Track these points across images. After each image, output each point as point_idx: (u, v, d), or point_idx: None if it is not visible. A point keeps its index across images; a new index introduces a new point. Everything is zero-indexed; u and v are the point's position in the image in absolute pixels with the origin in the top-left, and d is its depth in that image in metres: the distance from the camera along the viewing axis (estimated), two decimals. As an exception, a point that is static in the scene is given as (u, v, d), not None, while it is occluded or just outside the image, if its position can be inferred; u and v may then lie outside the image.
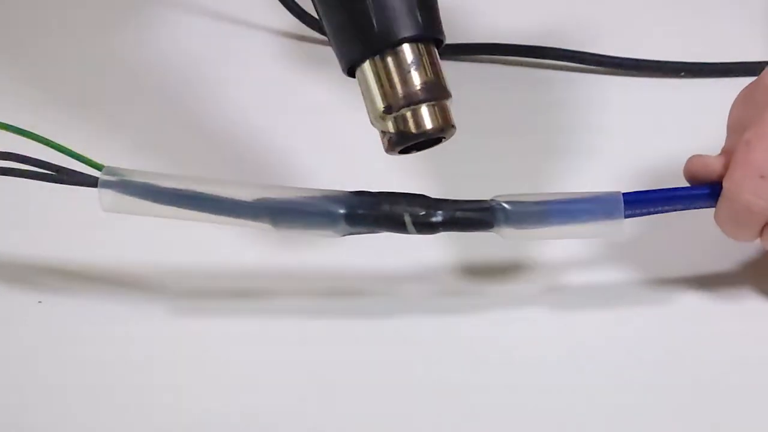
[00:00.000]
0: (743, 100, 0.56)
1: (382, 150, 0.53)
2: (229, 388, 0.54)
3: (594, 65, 0.71)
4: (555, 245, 0.58)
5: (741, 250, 0.57)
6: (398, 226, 0.53)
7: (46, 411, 0.53)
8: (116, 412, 0.53)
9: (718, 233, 0.54)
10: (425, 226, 0.53)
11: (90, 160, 0.51)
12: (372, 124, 0.53)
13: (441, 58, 0.53)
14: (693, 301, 0.56)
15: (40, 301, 0.58)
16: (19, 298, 0.58)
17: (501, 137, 0.66)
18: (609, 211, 0.53)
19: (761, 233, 0.53)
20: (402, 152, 0.53)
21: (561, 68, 0.72)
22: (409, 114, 0.52)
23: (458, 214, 0.53)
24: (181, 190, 0.52)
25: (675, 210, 0.54)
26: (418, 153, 0.53)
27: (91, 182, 0.52)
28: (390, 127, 0.52)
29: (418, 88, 0.52)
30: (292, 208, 0.53)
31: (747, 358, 0.54)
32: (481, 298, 0.57)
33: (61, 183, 0.52)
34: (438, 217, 0.53)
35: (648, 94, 0.70)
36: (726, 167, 0.53)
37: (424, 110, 0.52)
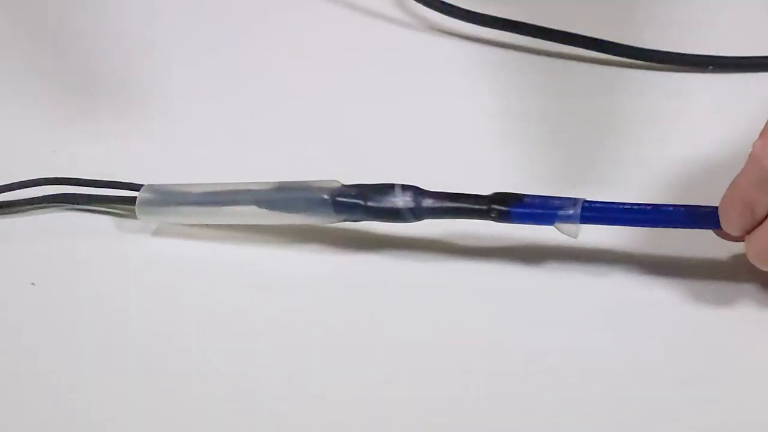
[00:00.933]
0: None
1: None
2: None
3: (620, 56, 0.70)
4: (552, 241, 0.57)
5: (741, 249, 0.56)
6: (392, 212, 0.56)
7: (40, 397, 0.51)
8: (113, 400, 0.51)
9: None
10: (417, 213, 0.56)
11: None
12: None
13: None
14: (690, 299, 0.56)
15: (33, 283, 0.56)
16: (11, 280, 0.57)
17: (520, 125, 0.65)
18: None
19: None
20: None
21: (586, 58, 0.71)
22: None
23: (448, 204, 0.56)
24: (204, 193, 0.59)
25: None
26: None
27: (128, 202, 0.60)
28: None
29: None
30: (284, 196, 0.57)
31: (746, 360, 0.53)
32: (475, 292, 0.56)
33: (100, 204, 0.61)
34: (428, 205, 0.56)
35: (674, 87, 0.69)
36: None
37: None
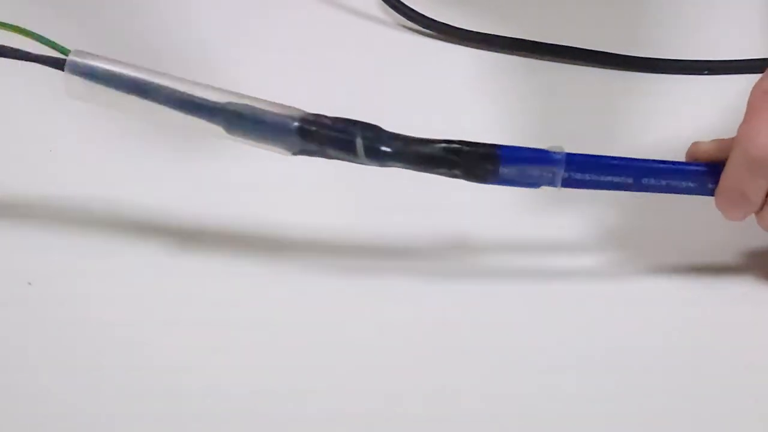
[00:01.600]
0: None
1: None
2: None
3: (616, 64, 0.70)
4: (550, 230, 0.58)
5: (743, 240, 0.58)
6: (349, 148, 0.52)
7: (38, 398, 0.51)
8: (110, 399, 0.51)
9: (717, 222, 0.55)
10: (375, 154, 0.52)
11: (57, 44, 0.53)
12: None
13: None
14: (691, 290, 0.56)
15: (29, 283, 0.56)
16: (7, 280, 0.56)
17: (519, 132, 0.65)
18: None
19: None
20: None
21: (583, 65, 0.71)
22: None
23: (411, 148, 0.52)
24: (144, 80, 0.53)
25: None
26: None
27: (57, 64, 0.53)
28: None
29: None
30: (247, 114, 0.53)
31: (747, 348, 0.54)
32: (471, 281, 0.57)
33: (27, 60, 0.53)
34: (389, 148, 0.52)
35: (671, 92, 0.69)
36: (720, 150, 0.54)
37: None
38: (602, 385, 0.52)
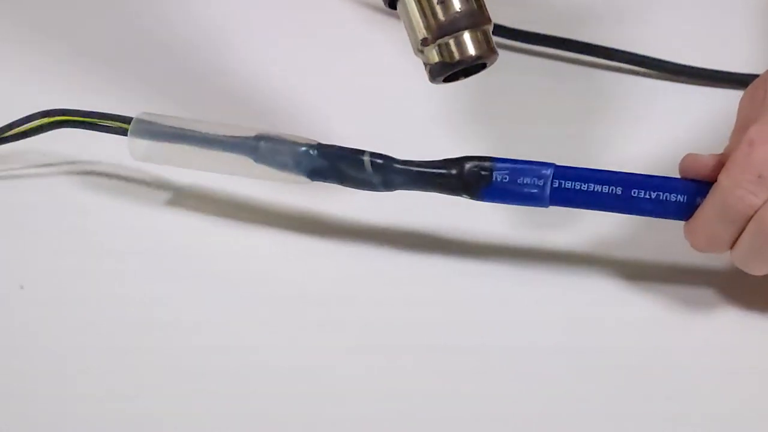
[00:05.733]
0: (749, 97, 0.56)
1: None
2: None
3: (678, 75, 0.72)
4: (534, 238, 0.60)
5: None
6: (358, 166, 0.58)
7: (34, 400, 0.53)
8: (106, 403, 0.53)
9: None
10: (383, 170, 0.57)
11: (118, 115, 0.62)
12: (415, 54, 0.55)
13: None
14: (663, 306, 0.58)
15: (22, 287, 0.57)
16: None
17: (532, 129, 0.68)
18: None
19: (735, 242, 0.53)
20: (447, 80, 0.55)
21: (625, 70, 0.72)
22: (452, 41, 0.54)
23: (419, 169, 0.57)
24: (197, 131, 0.60)
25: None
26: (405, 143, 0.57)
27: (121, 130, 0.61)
28: (433, 56, 0.54)
29: (460, 14, 0.53)
30: (273, 139, 0.59)
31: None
32: (473, 282, 0.59)
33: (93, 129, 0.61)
34: (395, 165, 0.57)
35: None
36: (719, 165, 0.54)
37: (467, 37, 0.54)
38: (592, 386, 0.54)
